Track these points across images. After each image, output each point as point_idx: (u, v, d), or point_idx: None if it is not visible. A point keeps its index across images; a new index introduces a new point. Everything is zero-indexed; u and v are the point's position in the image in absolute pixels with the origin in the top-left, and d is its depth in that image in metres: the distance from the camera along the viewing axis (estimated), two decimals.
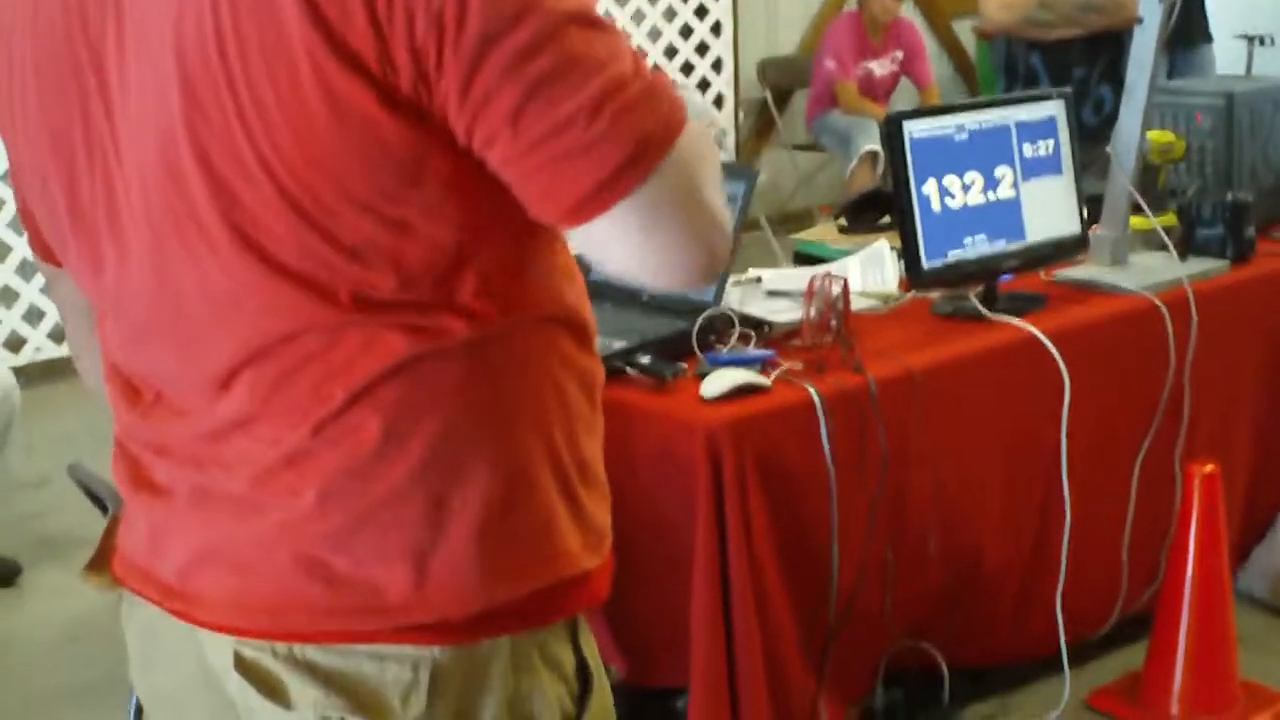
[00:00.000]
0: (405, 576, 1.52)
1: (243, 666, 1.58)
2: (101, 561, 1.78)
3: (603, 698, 1.69)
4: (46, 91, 1.56)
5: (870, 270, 3.71)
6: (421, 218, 1.45)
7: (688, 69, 8.72)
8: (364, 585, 1.53)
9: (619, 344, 3.02)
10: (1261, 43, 7.78)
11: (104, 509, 2.79)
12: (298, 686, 1.56)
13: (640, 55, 1.47)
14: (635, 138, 1.42)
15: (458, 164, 1.45)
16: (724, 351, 3.14)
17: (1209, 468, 3.44)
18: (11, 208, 6.73)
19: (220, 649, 1.60)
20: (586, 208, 1.44)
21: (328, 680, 1.55)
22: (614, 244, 1.47)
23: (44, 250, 1.75)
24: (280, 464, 1.53)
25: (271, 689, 1.57)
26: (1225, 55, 5.25)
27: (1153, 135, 3.89)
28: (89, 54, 1.52)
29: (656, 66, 1.54)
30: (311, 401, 1.51)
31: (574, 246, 1.54)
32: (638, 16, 8.46)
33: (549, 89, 1.40)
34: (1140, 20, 3.67)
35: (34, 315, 6.88)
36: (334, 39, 1.38)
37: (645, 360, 3.03)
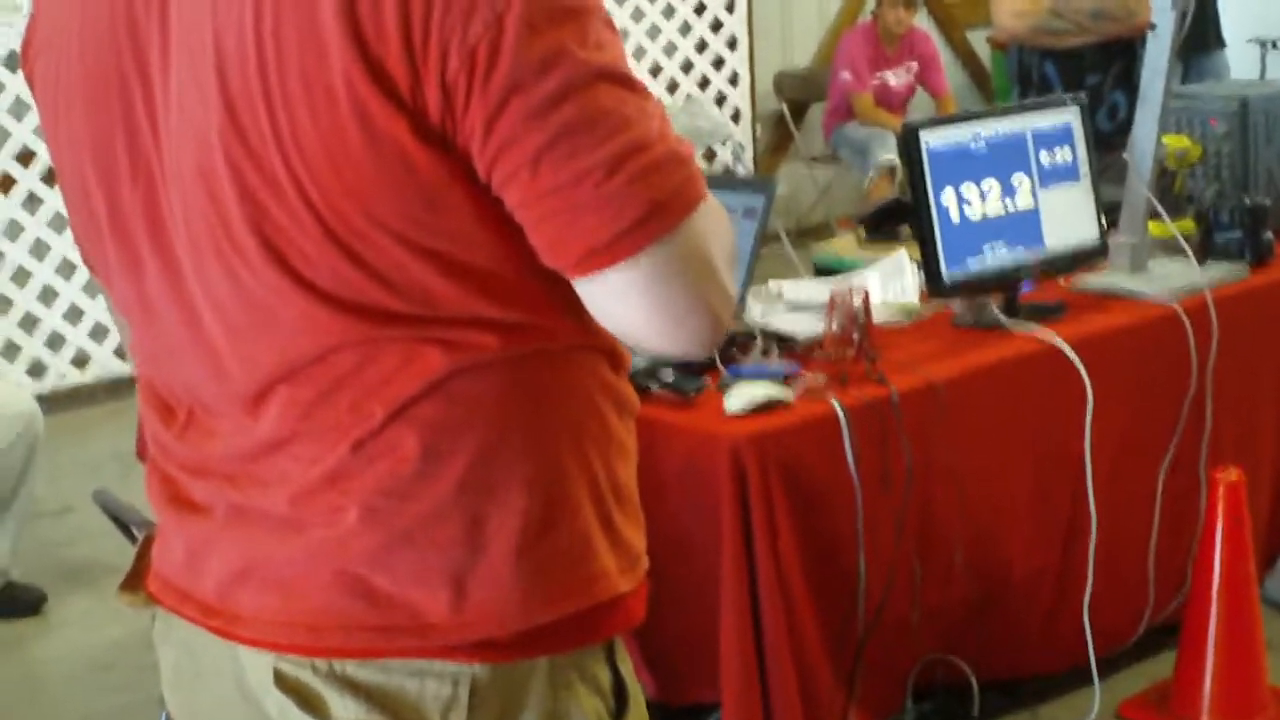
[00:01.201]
0: (445, 598, 1.53)
1: (283, 683, 1.59)
2: (135, 581, 1.78)
3: (639, 714, 1.70)
4: (92, 100, 1.58)
5: (890, 281, 3.71)
6: (452, 246, 1.47)
7: (704, 84, 8.73)
8: (404, 605, 1.54)
9: (641, 361, 3.03)
10: (1275, 46, 7.78)
11: (130, 535, 2.81)
12: (338, 702, 1.57)
13: (668, 120, 1.48)
14: (651, 199, 1.43)
15: (488, 196, 1.46)
16: (747, 365, 3.14)
17: (1234, 474, 3.44)
18: (31, 234, 6.75)
19: (260, 666, 1.60)
20: (591, 261, 1.45)
21: (368, 696, 1.56)
22: (616, 302, 1.48)
23: None
24: (321, 483, 1.54)
25: (311, 705, 1.58)
26: (1239, 60, 5.26)
27: (1168, 140, 3.89)
28: (135, 64, 1.54)
29: (679, 138, 1.59)
30: (351, 420, 1.52)
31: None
32: (653, 31, 8.47)
33: (571, 140, 1.41)
34: (1153, 26, 3.68)
35: (56, 341, 6.90)
36: (372, 66, 1.40)
37: (668, 377, 3.04)
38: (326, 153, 1.43)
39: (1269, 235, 3.91)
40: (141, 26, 1.54)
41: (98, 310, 6.83)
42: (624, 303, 1.48)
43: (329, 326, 1.50)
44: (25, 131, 6.65)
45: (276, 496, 1.57)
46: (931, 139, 3.36)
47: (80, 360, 6.95)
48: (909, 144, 3.35)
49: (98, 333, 6.93)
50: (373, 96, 1.41)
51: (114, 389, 6.83)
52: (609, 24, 1.47)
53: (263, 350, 1.54)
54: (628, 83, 1.46)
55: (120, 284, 1.66)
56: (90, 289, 6.78)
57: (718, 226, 1.52)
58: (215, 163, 1.48)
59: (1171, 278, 3.72)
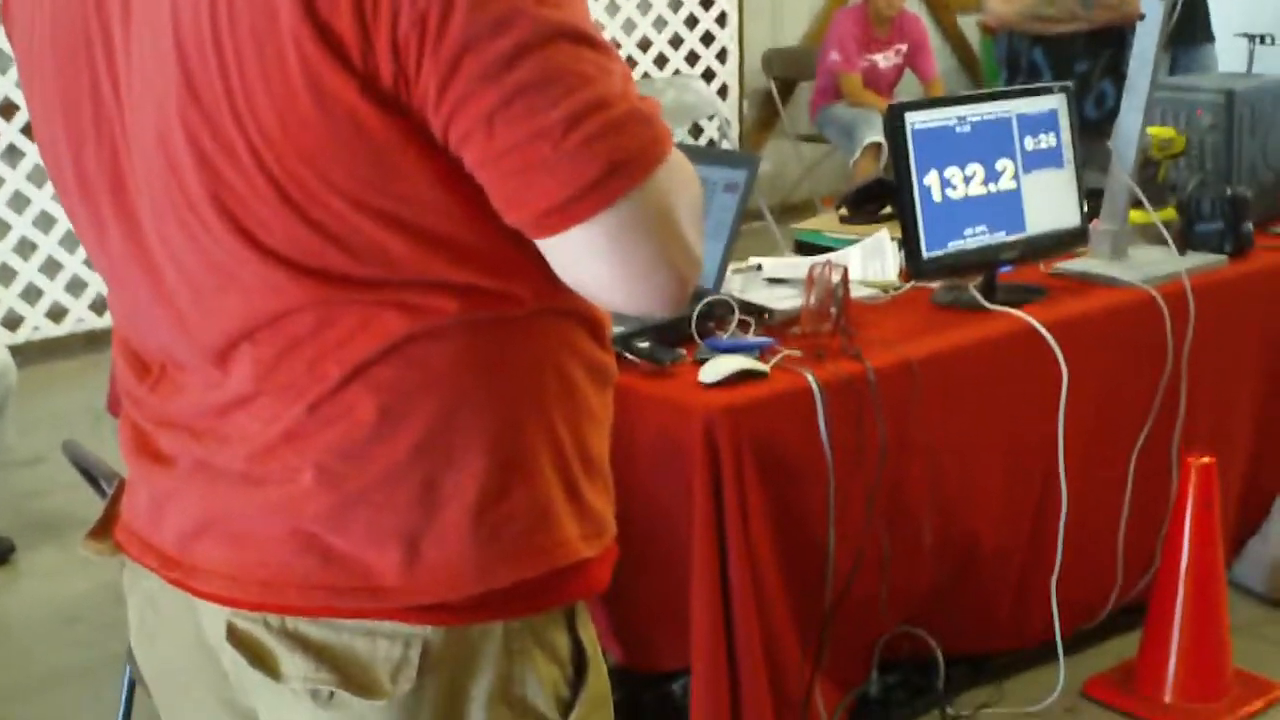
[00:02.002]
0: (397, 559, 1.53)
1: (235, 637, 1.59)
2: (103, 529, 1.79)
3: (599, 682, 1.69)
4: (61, 64, 1.58)
5: (871, 260, 3.72)
6: (408, 209, 1.45)
7: (693, 59, 8.72)
8: (357, 565, 1.53)
9: (618, 329, 3.03)
10: (1263, 41, 7.79)
11: (99, 488, 2.80)
12: (288, 658, 1.57)
13: (631, 79, 1.46)
14: (610, 159, 1.41)
15: (444, 158, 1.45)
16: (723, 338, 3.15)
17: (1205, 459, 3.46)
18: (10, 187, 6.75)
19: (215, 620, 1.61)
20: (550, 221, 1.44)
21: (319, 653, 1.56)
22: (578, 261, 1.47)
23: None
24: (278, 441, 1.54)
25: (262, 660, 1.58)
26: (1227, 54, 5.27)
27: (1154, 130, 3.90)
28: (100, 28, 1.54)
29: (646, 98, 1.56)
30: (307, 380, 1.51)
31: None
32: (644, 6, 8.47)
33: (527, 98, 1.39)
34: (1142, 16, 3.69)
35: (32, 294, 6.90)
36: (321, 26, 1.38)
37: (644, 345, 3.05)
38: (279, 117, 1.41)
39: (1249, 226, 3.93)
40: None
41: (75, 264, 6.85)
42: (585, 261, 1.47)
43: (287, 289, 1.49)
44: (6, 84, 6.63)
45: (235, 453, 1.56)
46: (917, 120, 3.36)
47: (56, 314, 6.96)
48: (894, 124, 3.35)
49: (74, 286, 6.94)
50: (322, 59, 1.39)
51: (89, 342, 6.85)
52: None
53: (224, 309, 1.53)
54: (587, 40, 1.43)
55: (89, 244, 1.67)
56: (68, 242, 6.79)
57: (682, 184, 1.50)
58: (173, 128, 1.47)
59: (1151, 265, 3.73)
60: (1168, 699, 3.51)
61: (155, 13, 1.47)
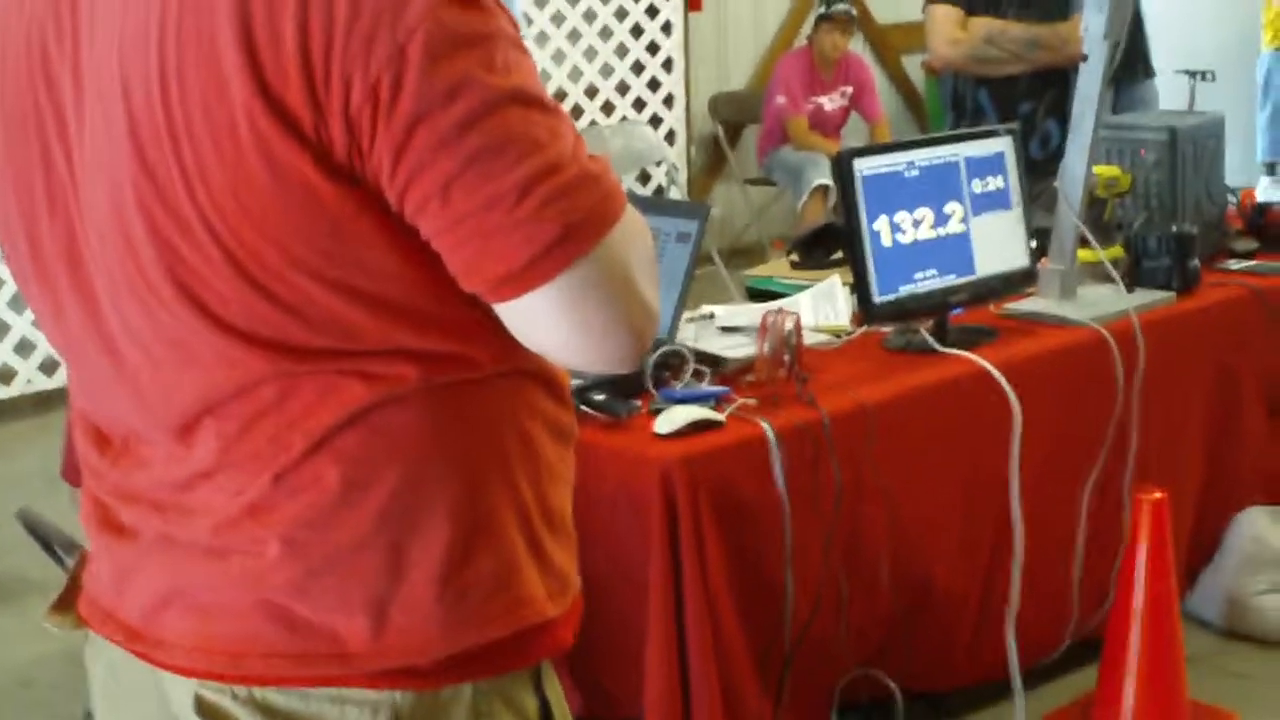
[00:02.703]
0: (364, 625, 1.53)
1: (203, 709, 1.58)
2: (66, 602, 1.78)
3: None
4: (12, 137, 1.58)
5: (822, 305, 3.75)
6: (365, 279, 1.46)
7: (640, 105, 8.77)
8: (325, 632, 1.53)
9: (573, 381, 3.03)
10: (1203, 78, 7.88)
11: (53, 554, 2.79)
12: None
13: (582, 140, 1.48)
14: (564, 222, 1.43)
15: (400, 227, 1.45)
16: (678, 388, 3.17)
17: (1157, 494, 3.49)
18: None
19: (181, 692, 1.60)
20: (507, 287, 1.45)
21: None
22: (534, 324, 1.48)
23: None
24: (242, 514, 1.53)
25: None
26: (1168, 90, 5.32)
27: (1099, 170, 3.94)
28: (50, 102, 1.54)
29: (594, 157, 1.58)
30: (271, 451, 1.51)
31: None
32: (589, 53, 8.50)
33: (481, 165, 1.40)
34: (1085, 58, 3.74)
35: None
36: (273, 102, 1.39)
37: (600, 398, 3.06)
38: (233, 190, 1.42)
39: (1196, 263, 3.98)
40: (55, 64, 1.53)
41: (23, 325, 6.79)
42: (543, 324, 1.48)
43: (247, 363, 1.49)
44: None
45: (200, 526, 1.56)
46: (865, 166, 3.39)
47: (5, 375, 6.90)
48: (843, 171, 3.38)
49: (23, 348, 6.87)
50: (275, 133, 1.39)
51: (39, 404, 6.78)
52: (517, 44, 1.46)
53: (183, 385, 1.53)
54: (538, 103, 1.45)
55: (45, 320, 1.66)
56: (16, 304, 6.72)
57: (636, 241, 1.51)
58: (126, 202, 1.47)
59: (1100, 304, 3.77)
60: None
61: (106, 85, 1.47)
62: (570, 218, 1.43)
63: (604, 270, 1.46)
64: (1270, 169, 10.24)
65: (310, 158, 1.41)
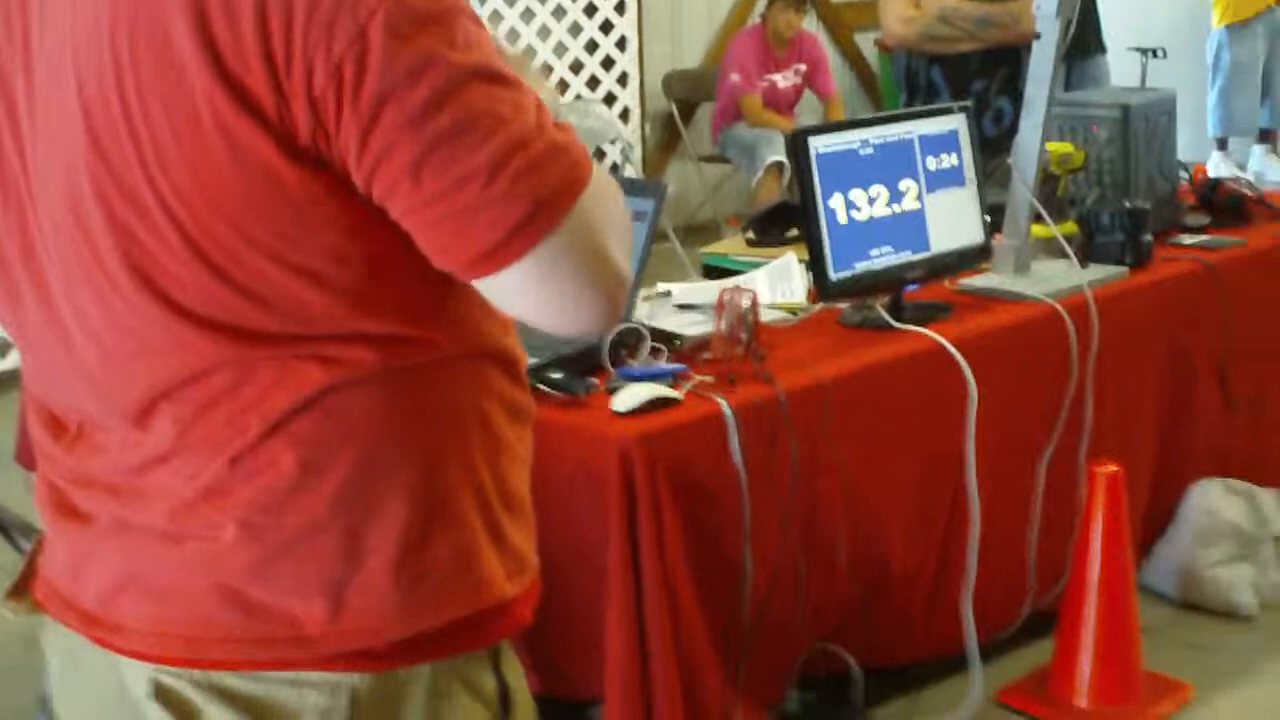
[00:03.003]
0: (322, 608, 1.53)
1: (160, 694, 1.58)
2: (22, 587, 1.77)
3: None
4: None
5: (779, 282, 3.76)
6: (325, 262, 1.46)
7: (594, 83, 8.76)
8: (281, 616, 1.53)
9: (530, 360, 3.03)
10: (1155, 55, 7.94)
11: (9, 538, 2.78)
12: (215, 713, 1.56)
13: (545, 108, 1.48)
14: (535, 197, 1.43)
15: (363, 210, 1.46)
16: (635, 366, 3.17)
17: (1112, 468, 3.52)
18: None
19: (139, 677, 1.60)
20: (483, 264, 1.46)
21: (246, 707, 1.56)
22: (511, 296, 1.49)
23: None
24: (198, 497, 1.53)
25: (188, 716, 1.57)
26: (1120, 67, 5.36)
27: (1052, 146, 3.97)
28: (1, 94, 1.54)
29: (560, 125, 1.59)
30: (227, 434, 1.51)
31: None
32: (543, 32, 8.49)
33: (450, 145, 1.41)
34: (1038, 36, 3.76)
35: None
36: (233, 86, 1.39)
37: (557, 376, 3.06)
38: (193, 174, 1.42)
39: (1149, 238, 4.01)
40: (5, 59, 1.53)
41: None
42: (519, 295, 1.49)
43: (203, 349, 1.49)
44: None
45: (156, 510, 1.56)
46: (820, 145, 3.40)
47: None
48: (798, 149, 3.39)
49: None
50: (236, 118, 1.40)
51: None
52: (476, 20, 1.46)
53: (139, 372, 1.53)
54: (500, 78, 1.45)
55: (2, 312, 1.66)
56: None
57: (605, 204, 1.52)
58: (82, 193, 1.47)
59: (1054, 279, 3.80)
60: (1081, 703, 3.56)
61: (59, 75, 1.47)
62: (540, 193, 1.44)
63: (575, 239, 1.47)
64: (1221, 144, 10.32)
65: (273, 141, 1.41)
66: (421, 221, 1.45)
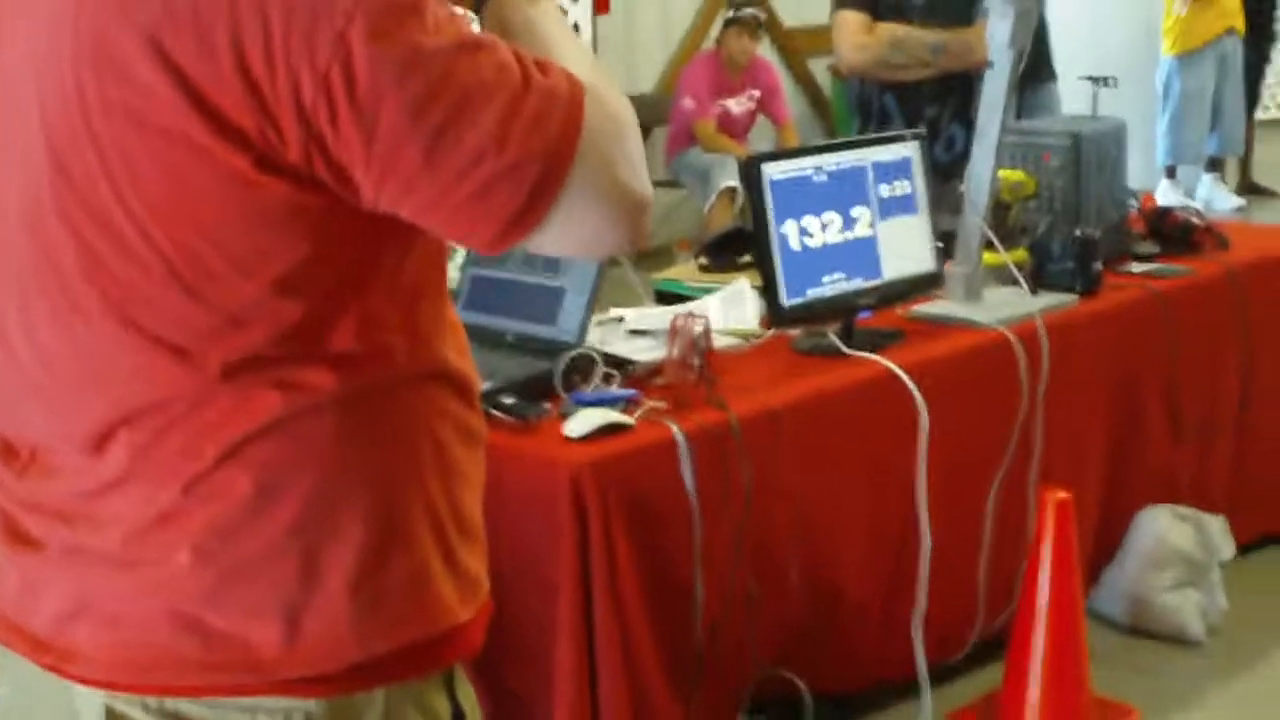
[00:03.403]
0: (278, 633, 1.53)
1: None
2: None
3: None
4: None
5: (731, 308, 3.77)
6: (300, 277, 1.47)
7: None
8: (237, 641, 1.53)
9: (483, 385, 3.02)
10: (1105, 84, 7.98)
11: None
12: None
13: (523, 54, 1.49)
14: (545, 150, 1.46)
15: (337, 224, 1.47)
16: (587, 391, 3.17)
17: (1061, 494, 3.54)
18: None
19: (91, 704, 1.59)
20: (513, 233, 1.48)
21: None
22: (543, 246, 1.52)
23: None
24: (153, 523, 1.53)
25: None
26: (1071, 95, 5.38)
27: (1003, 174, 3.99)
28: None
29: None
30: (182, 460, 1.51)
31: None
32: None
33: (454, 129, 1.42)
34: (991, 65, 3.78)
35: None
36: (206, 107, 1.40)
37: (509, 401, 3.06)
38: (168, 196, 1.42)
39: (1098, 266, 4.03)
40: None
41: None
42: (550, 244, 1.52)
43: (168, 374, 1.49)
44: None
45: (109, 536, 1.55)
46: (774, 171, 3.42)
47: None
48: (751, 176, 3.41)
49: None
50: (212, 140, 1.40)
51: None
52: (442, 1, 1.48)
53: (95, 399, 1.52)
54: (476, 46, 1.46)
55: None
56: None
57: (605, 129, 1.53)
58: (45, 216, 1.47)
59: (1005, 306, 3.82)
60: None
61: (19, 95, 1.47)
62: (546, 146, 1.46)
63: (589, 179, 1.49)
64: (1170, 173, 10.40)
65: (250, 161, 1.41)
66: (446, 210, 1.46)
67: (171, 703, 1.56)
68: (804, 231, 3.46)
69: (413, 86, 1.41)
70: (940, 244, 3.78)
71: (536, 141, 1.45)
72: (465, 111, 1.42)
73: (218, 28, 1.39)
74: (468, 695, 1.72)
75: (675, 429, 3.05)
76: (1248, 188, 10.56)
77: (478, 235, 1.49)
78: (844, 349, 3.50)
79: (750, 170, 3.41)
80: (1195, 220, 4.55)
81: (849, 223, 3.55)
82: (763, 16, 9.01)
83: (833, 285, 3.52)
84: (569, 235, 1.51)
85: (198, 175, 1.41)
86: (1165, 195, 9.24)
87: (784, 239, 3.42)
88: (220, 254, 1.44)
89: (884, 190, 3.63)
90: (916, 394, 3.41)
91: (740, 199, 8.19)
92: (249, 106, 1.40)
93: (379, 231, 1.51)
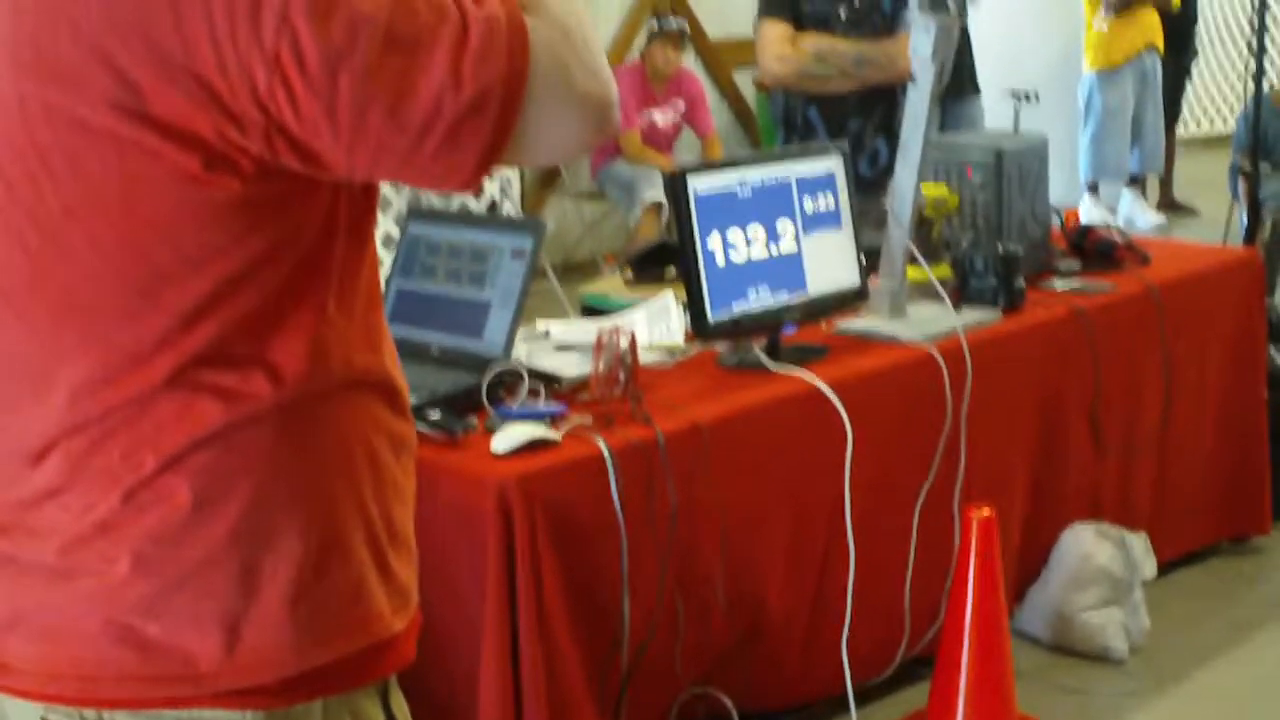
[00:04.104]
0: (217, 643, 1.52)
1: None
2: None
3: None
4: None
5: (657, 322, 3.76)
6: (248, 278, 1.47)
7: None
8: (176, 652, 1.52)
9: (410, 400, 3.01)
10: (1028, 99, 8.04)
11: None
12: None
13: None
14: (499, 77, 1.47)
15: (285, 222, 1.47)
16: (514, 406, 3.16)
17: (985, 511, 3.54)
18: None
19: (27, 718, 1.58)
20: (488, 162, 1.50)
21: None
22: (519, 160, 1.55)
23: None
24: (91, 532, 1.52)
25: None
26: (994, 110, 5.41)
27: (927, 189, 4.00)
28: None
29: None
30: (122, 469, 1.50)
31: None
32: None
33: (408, 81, 1.43)
34: (913, 78, 3.79)
35: None
36: (154, 112, 1.40)
37: (435, 415, 3.04)
38: (119, 200, 1.42)
39: (1021, 282, 4.05)
40: None
41: None
42: (529, 158, 1.56)
43: (115, 382, 1.48)
44: None
45: (46, 546, 1.54)
46: (699, 185, 3.41)
47: None
48: (677, 190, 3.40)
49: None
50: (162, 145, 1.41)
51: None
52: None
53: (42, 409, 1.52)
54: None
55: None
56: None
57: (554, 41, 1.54)
58: None
59: (928, 322, 3.82)
60: None
61: None
62: (501, 67, 1.48)
63: (546, 95, 1.51)
64: (1093, 189, 10.48)
65: (200, 160, 1.42)
66: (420, 162, 1.48)
67: (109, 715, 1.55)
68: (729, 245, 3.45)
69: (361, 51, 1.42)
70: (865, 259, 3.78)
71: (488, 72, 1.47)
72: (416, 60, 1.44)
73: (163, 31, 1.40)
74: (400, 707, 1.72)
75: (602, 444, 3.04)
76: (1168, 205, 10.66)
77: (457, 175, 1.51)
78: (769, 364, 3.50)
79: (676, 184, 3.40)
80: (1117, 237, 4.58)
81: (774, 237, 3.55)
82: (687, 28, 9.01)
83: (758, 300, 3.51)
84: (541, 146, 1.54)
85: (146, 178, 1.42)
86: (1088, 211, 9.31)
87: (709, 253, 3.41)
88: (171, 253, 1.45)
89: (808, 205, 3.63)
90: (842, 410, 3.41)
91: (666, 213, 8.19)
92: (203, 106, 1.41)
93: (327, 230, 1.53)
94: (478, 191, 1.55)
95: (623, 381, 3.23)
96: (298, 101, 1.42)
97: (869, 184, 4.48)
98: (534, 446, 3.00)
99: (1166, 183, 10.79)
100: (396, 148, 1.46)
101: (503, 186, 8.22)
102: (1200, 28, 11.22)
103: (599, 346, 3.24)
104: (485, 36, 1.47)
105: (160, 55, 1.40)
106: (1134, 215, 9.98)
